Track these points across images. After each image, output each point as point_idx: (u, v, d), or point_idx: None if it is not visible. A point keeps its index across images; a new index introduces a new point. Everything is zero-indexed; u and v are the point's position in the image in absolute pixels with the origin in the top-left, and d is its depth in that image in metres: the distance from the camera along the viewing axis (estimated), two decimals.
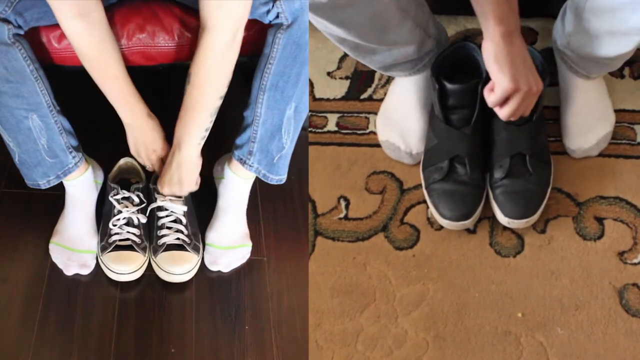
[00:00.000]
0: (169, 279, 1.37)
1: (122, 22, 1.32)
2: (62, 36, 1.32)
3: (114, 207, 1.39)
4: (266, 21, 1.28)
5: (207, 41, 1.23)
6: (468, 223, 1.27)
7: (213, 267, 1.41)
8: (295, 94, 1.30)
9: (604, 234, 1.29)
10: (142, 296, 1.36)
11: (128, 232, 1.38)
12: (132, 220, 1.39)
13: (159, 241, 1.38)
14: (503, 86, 1.14)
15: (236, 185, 1.44)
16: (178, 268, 1.36)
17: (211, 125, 1.32)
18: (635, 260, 1.26)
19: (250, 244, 1.45)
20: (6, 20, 1.21)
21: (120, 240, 1.37)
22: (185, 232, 1.39)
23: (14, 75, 1.23)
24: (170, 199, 1.39)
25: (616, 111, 1.40)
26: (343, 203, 1.34)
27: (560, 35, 1.32)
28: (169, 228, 1.39)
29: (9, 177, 1.48)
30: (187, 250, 1.38)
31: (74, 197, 1.41)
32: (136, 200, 1.41)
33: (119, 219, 1.38)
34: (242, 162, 1.38)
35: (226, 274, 1.41)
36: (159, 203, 1.39)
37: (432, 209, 1.30)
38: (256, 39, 1.33)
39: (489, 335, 1.21)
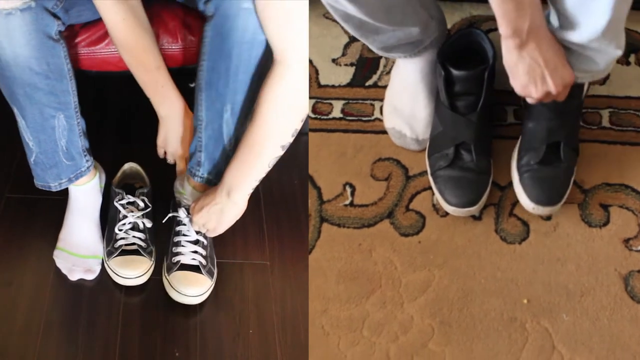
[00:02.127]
0: (180, 300, 1.34)
1: None
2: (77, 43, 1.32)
3: (119, 212, 1.38)
4: (201, 11, 1.22)
5: (282, 75, 1.10)
6: (474, 210, 1.27)
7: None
8: (228, 93, 1.21)
9: (609, 221, 1.29)
10: (147, 300, 1.36)
11: (134, 236, 1.37)
12: (138, 225, 1.38)
13: (173, 258, 1.35)
14: (517, 90, 1.17)
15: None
16: (191, 289, 1.33)
17: (264, 175, 1.22)
18: None
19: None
20: (56, 16, 1.19)
21: (126, 245, 1.36)
22: (204, 253, 1.36)
23: (54, 73, 1.22)
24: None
25: (621, 98, 1.41)
26: (349, 190, 1.34)
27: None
28: (185, 247, 1.36)
29: (14, 183, 1.47)
30: (201, 273, 1.35)
31: (79, 203, 1.39)
32: (141, 205, 1.40)
33: (124, 224, 1.37)
34: (193, 174, 1.33)
35: (230, 277, 1.41)
36: (182, 219, 1.36)
37: (437, 195, 1.30)
38: None
39: (495, 322, 1.21)
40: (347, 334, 1.21)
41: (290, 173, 1.60)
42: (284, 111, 1.13)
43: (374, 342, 1.20)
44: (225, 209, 1.26)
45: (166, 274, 1.36)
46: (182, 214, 1.36)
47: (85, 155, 1.33)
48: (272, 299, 1.38)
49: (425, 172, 1.34)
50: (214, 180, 1.32)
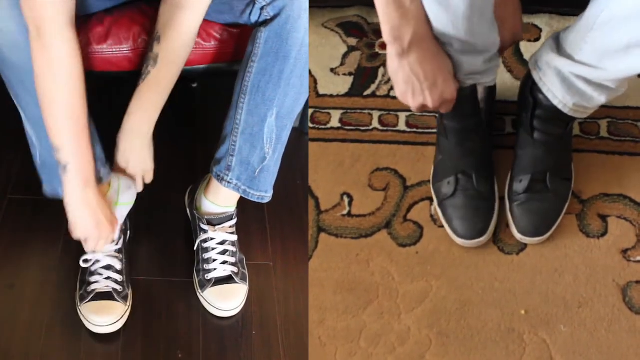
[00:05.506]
0: (220, 315, 1.34)
1: (128, 24, 1.31)
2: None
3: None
4: (250, 22, 1.23)
5: (184, 19, 1.20)
6: (483, 239, 1.27)
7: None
8: (277, 96, 1.22)
9: (607, 232, 1.29)
10: (150, 301, 1.35)
11: (108, 277, 1.29)
12: (113, 266, 1.30)
13: (206, 275, 1.34)
14: (397, 96, 1.17)
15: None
16: (228, 303, 1.33)
17: None
18: (639, 258, 1.26)
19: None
20: None
21: (99, 289, 1.28)
22: (233, 260, 1.35)
23: None
24: (221, 228, 1.34)
25: (620, 108, 1.40)
26: (346, 200, 1.34)
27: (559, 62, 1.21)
28: (217, 260, 1.34)
29: (16, 184, 1.47)
30: (236, 282, 1.34)
31: None
32: (117, 244, 1.32)
33: (98, 264, 1.30)
34: (220, 179, 1.31)
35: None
36: (208, 234, 1.35)
37: (446, 227, 1.29)
38: (238, 42, 1.31)
39: (492, 332, 1.21)
40: (344, 344, 1.21)
41: (293, 173, 1.60)
42: (189, 47, 1.24)
43: (371, 353, 1.20)
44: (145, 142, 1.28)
45: (200, 291, 1.34)
46: (210, 231, 1.35)
47: (100, 160, 1.24)
48: (275, 299, 1.38)
49: (423, 182, 1.34)
50: (242, 187, 1.30)
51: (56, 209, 1.42)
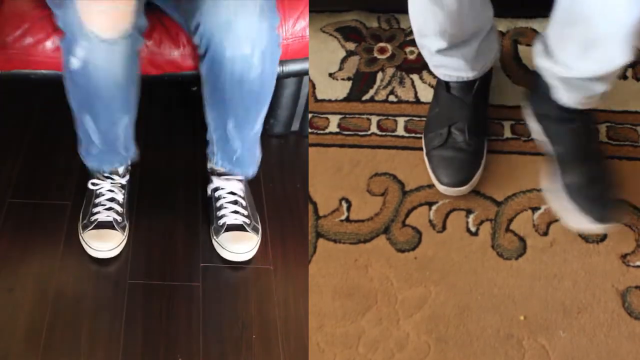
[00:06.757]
0: (231, 258, 1.41)
1: None
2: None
3: (98, 184, 1.42)
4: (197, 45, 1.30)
5: None
6: (465, 189, 1.30)
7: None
8: (228, 113, 1.33)
9: (606, 237, 1.28)
10: (150, 305, 1.35)
11: (110, 208, 1.40)
12: (116, 198, 1.41)
13: (219, 221, 1.42)
14: None
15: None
16: (240, 246, 1.40)
17: None
18: (638, 263, 1.26)
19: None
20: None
21: (101, 219, 1.39)
22: (245, 212, 1.43)
23: (130, 82, 1.27)
24: (227, 178, 1.43)
25: (618, 112, 1.40)
26: (345, 205, 1.34)
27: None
28: (227, 208, 1.43)
29: (16, 188, 1.47)
30: (247, 231, 1.41)
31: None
32: (122, 176, 1.43)
33: (102, 196, 1.41)
34: (209, 159, 1.44)
35: (233, 282, 1.41)
36: (216, 183, 1.43)
37: (430, 174, 1.33)
38: None
39: (491, 338, 1.20)
40: (343, 350, 1.21)
41: (293, 176, 1.60)
42: None
43: (370, 359, 1.20)
44: None
45: (215, 237, 1.43)
46: (215, 180, 1.44)
47: (134, 143, 1.41)
48: (275, 303, 1.38)
49: (422, 187, 1.34)
50: (227, 166, 1.42)
51: (56, 213, 1.44)
